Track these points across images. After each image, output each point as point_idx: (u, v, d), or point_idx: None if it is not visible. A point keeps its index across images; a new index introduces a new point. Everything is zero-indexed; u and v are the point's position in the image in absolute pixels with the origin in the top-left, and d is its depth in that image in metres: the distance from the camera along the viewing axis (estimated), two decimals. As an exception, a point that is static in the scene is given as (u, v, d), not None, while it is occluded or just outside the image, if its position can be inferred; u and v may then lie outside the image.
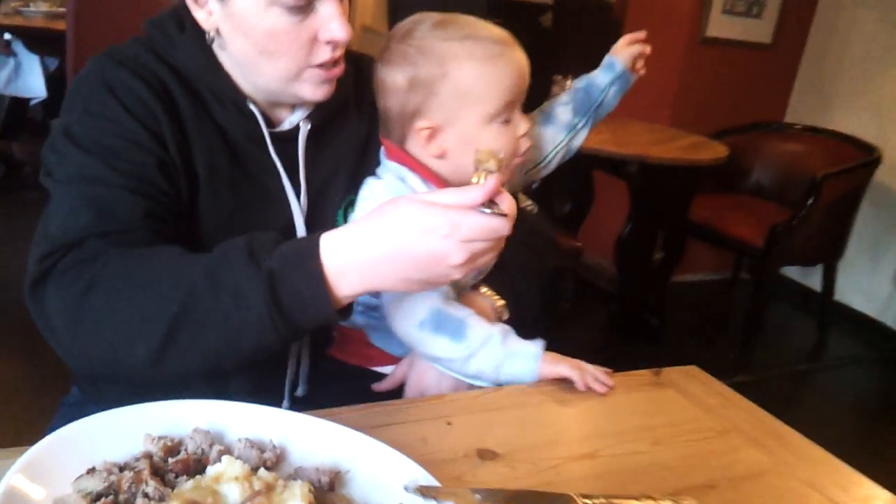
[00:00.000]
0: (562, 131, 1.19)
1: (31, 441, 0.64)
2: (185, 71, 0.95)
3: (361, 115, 1.08)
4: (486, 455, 0.83)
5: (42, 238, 0.85)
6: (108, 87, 0.91)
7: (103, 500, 0.61)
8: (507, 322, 1.04)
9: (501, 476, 0.80)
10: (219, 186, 0.95)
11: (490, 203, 0.77)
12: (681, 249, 3.36)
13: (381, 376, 1.08)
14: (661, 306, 3.45)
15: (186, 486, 0.63)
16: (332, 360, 1.08)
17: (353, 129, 1.07)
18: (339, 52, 0.94)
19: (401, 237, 0.77)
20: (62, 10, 4.40)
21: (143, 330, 0.79)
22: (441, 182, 1.02)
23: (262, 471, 0.66)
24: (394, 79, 1.00)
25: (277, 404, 1.01)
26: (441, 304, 0.97)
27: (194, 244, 0.90)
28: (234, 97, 0.96)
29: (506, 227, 0.78)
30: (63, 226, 0.85)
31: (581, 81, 1.20)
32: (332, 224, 1.00)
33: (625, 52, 1.18)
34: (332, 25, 0.91)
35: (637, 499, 0.75)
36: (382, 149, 1.06)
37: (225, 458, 0.66)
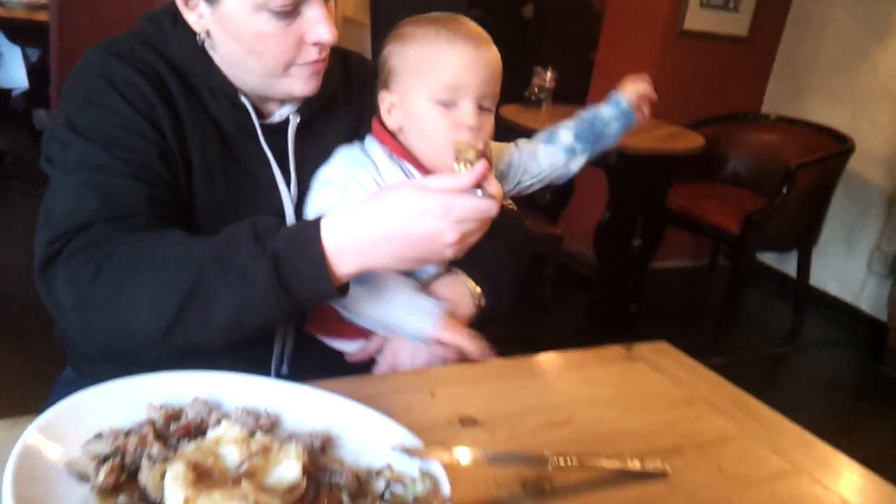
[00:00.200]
0: (560, 152, 1.23)
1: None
2: (179, 64, 0.99)
3: (350, 109, 1.13)
4: (467, 422, 0.88)
5: (47, 222, 0.88)
6: (108, 79, 0.94)
7: (111, 461, 0.64)
8: (483, 308, 1.09)
9: (482, 440, 0.85)
10: (212, 175, 0.99)
11: (478, 187, 0.83)
12: (659, 236, 3.41)
13: None
14: (640, 292, 3.51)
15: (188, 448, 0.67)
16: (311, 338, 1.11)
17: (342, 122, 1.12)
18: (325, 53, 0.99)
19: (398, 218, 0.83)
20: (44, 1, 4.39)
21: (154, 309, 0.83)
22: (405, 154, 1.07)
23: (258, 434, 0.70)
24: (380, 57, 1.09)
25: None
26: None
27: (189, 230, 0.93)
28: (226, 90, 1.00)
29: (494, 208, 0.84)
30: (69, 210, 0.88)
31: (588, 111, 1.25)
32: None
33: (631, 89, 1.23)
34: (318, 28, 0.95)
35: (607, 457, 0.81)
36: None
37: (224, 422, 0.70)
